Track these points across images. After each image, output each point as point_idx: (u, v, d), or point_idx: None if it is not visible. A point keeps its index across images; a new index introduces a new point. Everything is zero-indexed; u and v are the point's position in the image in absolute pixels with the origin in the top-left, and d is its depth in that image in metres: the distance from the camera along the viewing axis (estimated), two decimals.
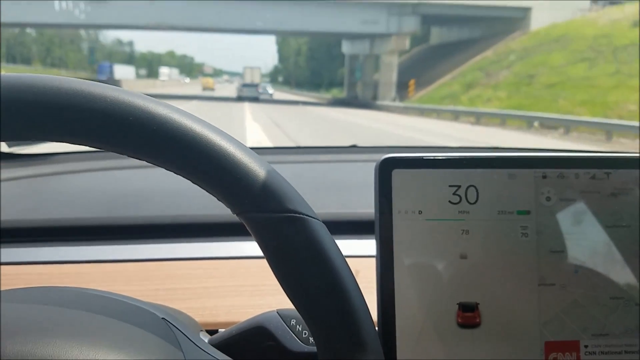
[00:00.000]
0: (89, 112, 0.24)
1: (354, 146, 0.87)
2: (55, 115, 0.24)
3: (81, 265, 0.53)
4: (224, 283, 0.51)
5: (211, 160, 0.24)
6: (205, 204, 0.60)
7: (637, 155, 0.41)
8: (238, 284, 0.51)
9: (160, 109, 0.25)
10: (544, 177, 0.41)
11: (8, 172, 0.72)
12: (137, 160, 0.73)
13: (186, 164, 0.25)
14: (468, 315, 0.40)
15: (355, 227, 0.56)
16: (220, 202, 0.28)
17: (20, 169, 0.72)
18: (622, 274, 0.41)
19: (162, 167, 0.26)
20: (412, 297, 0.40)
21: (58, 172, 0.71)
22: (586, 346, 0.40)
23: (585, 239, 0.41)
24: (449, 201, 0.40)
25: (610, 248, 0.41)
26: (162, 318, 0.30)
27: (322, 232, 0.27)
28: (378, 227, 0.40)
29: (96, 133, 0.24)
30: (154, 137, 0.24)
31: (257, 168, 0.25)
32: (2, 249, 0.56)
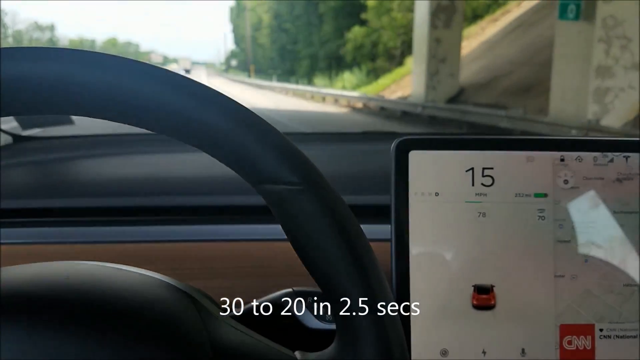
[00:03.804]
0: (94, 83, 0.23)
1: (365, 132, 0.87)
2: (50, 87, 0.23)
3: (94, 245, 0.54)
4: (241, 264, 0.51)
5: (228, 132, 0.24)
6: (222, 188, 0.60)
7: None
8: (254, 265, 0.51)
9: (174, 77, 0.24)
10: (562, 160, 0.41)
11: (23, 155, 0.73)
12: (153, 145, 0.73)
13: (203, 136, 0.24)
14: (483, 297, 0.40)
15: (370, 213, 0.56)
16: (234, 185, 0.28)
17: (35, 153, 0.73)
18: (635, 261, 0.41)
19: (179, 140, 0.25)
20: (427, 278, 0.40)
21: (71, 157, 0.72)
22: (601, 330, 0.40)
23: (601, 224, 0.41)
24: (466, 183, 0.40)
25: (623, 234, 0.41)
26: (183, 291, 0.30)
27: (340, 204, 0.26)
28: (394, 208, 0.40)
29: (102, 103, 0.23)
30: (170, 109, 0.24)
31: (275, 139, 0.25)
32: (19, 229, 0.57)
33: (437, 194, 0.40)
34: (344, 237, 0.25)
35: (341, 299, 0.26)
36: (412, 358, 0.39)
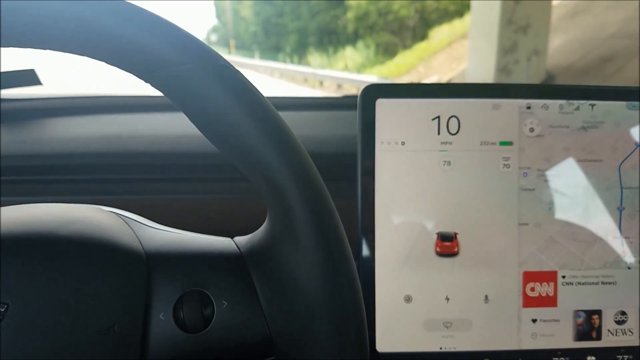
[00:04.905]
0: None
1: (346, 96, 0.86)
2: None
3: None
4: (192, 215, 0.51)
5: (111, 29, 0.22)
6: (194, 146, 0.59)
7: (624, 87, 0.41)
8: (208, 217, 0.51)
9: None
10: (528, 107, 0.40)
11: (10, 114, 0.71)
12: (122, 106, 0.70)
13: (87, 40, 0.23)
14: (446, 244, 0.40)
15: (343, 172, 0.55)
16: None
17: (5, 114, 0.71)
18: (599, 209, 0.41)
19: (68, 50, 0.24)
20: (392, 226, 0.40)
21: (39, 117, 0.70)
22: (564, 277, 0.41)
23: (565, 172, 0.41)
24: (432, 132, 0.40)
25: (587, 182, 0.41)
26: (108, 211, 0.30)
27: (241, 77, 0.25)
28: (360, 157, 0.40)
29: None
30: (51, 15, 0.22)
31: (157, 25, 0.23)
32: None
33: (403, 143, 0.40)
34: (248, 106, 0.24)
35: (261, 171, 0.25)
36: (376, 303, 0.40)
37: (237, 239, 0.29)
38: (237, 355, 0.27)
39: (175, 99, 0.25)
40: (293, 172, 0.24)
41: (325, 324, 0.25)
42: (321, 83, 9.65)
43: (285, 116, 0.26)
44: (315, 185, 0.25)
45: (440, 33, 10.91)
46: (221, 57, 0.25)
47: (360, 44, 15.07)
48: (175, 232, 0.29)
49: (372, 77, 9.16)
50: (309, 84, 10.29)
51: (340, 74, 9.90)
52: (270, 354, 0.28)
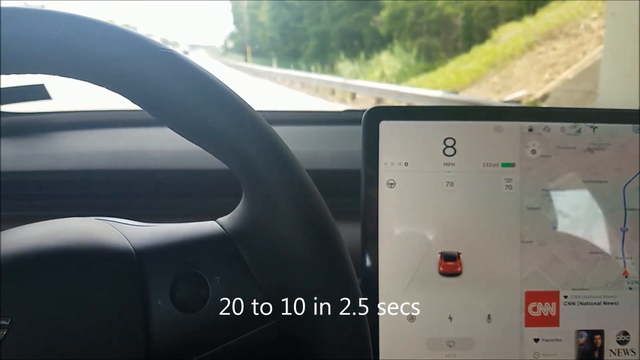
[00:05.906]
0: None
1: (348, 111, 0.86)
2: None
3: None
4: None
5: (69, 39, 0.23)
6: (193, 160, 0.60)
7: (624, 109, 0.41)
8: None
9: None
10: (530, 130, 0.41)
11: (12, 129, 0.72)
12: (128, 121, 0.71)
13: (42, 53, 0.23)
14: (449, 264, 0.40)
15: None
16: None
17: (12, 128, 0.72)
18: (602, 229, 0.42)
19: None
20: (395, 245, 0.41)
21: (48, 132, 0.71)
22: (565, 296, 0.41)
23: (566, 194, 0.41)
24: (435, 153, 0.41)
25: (590, 203, 0.42)
26: (93, 219, 0.31)
27: (185, 59, 0.25)
28: (363, 178, 0.41)
29: None
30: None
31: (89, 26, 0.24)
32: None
33: (406, 164, 0.41)
34: (201, 88, 0.25)
35: (233, 151, 0.26)
36: (379, 323, 0.40)
37: (220, 219, 0.30)
38: (239, 326, 0.28)
39: (131, 97, 0.25)
40: (256, 142, 0.25)
41: (318, 275, 0.26)
42: (353, 96, 7.71)
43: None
44: (280, 152, 0.26)
45: (507, 33, 8.14)
46: (161, 44, 0.25)
47: (398, 48, 11.72)
48: (160, 225, 0.30)
49: (433, 90, 6.41)
50: (336, 96, 8.37)
51: (382, 85, 7.60)
52: (269, 320, 0.28)
